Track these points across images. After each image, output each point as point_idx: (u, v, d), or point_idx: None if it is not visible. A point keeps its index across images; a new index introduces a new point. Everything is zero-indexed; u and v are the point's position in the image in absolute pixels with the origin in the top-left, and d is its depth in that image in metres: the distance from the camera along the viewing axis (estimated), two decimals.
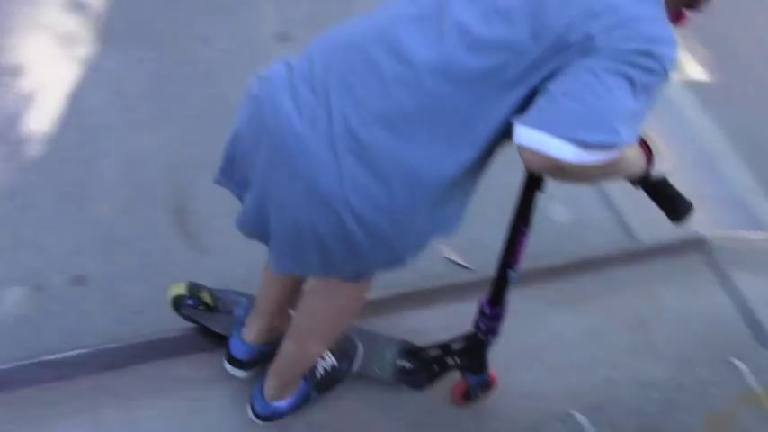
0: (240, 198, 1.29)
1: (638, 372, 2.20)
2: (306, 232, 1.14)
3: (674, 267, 2.62)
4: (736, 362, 2.17)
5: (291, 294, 1.60)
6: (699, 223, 2.78)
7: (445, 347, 1.81)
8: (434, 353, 1.81)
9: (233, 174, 1.27)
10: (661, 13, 1.09)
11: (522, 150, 1.02)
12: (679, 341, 2.38)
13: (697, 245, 2.72)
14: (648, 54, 1.04)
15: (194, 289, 1.74)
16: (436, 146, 1.08)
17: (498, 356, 1.82)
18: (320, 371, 1.73)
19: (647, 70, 1.04)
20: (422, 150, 1.08)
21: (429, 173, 1.09)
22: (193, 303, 1.75)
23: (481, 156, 1.12)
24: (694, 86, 3.54)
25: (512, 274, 1.58)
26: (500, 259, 1.57)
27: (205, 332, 1.78)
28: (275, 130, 1.12)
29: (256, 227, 1.26)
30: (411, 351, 1.84)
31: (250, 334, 1.66)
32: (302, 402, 1.71)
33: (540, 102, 1.03)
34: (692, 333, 2.44)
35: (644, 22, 1.06)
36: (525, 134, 1.01)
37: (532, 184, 1.43)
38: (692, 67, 3.75)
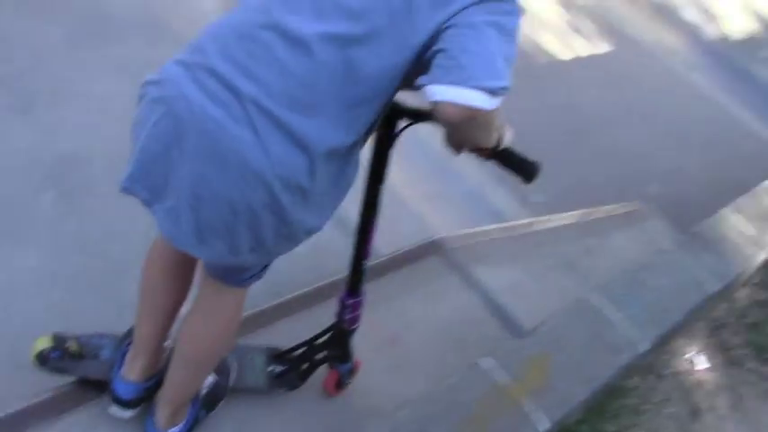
0: (149, 204, 1.31)
1: (393, 393, 2.17)
2: (241, 211, 1.21)
3: (417, 275, 2.64)
4: (481, 361, 2.20)
5: (168, 327, 1.67)
6: (435, 226, 2.83)
7: (310, 344, 1.92)
8: (301, 352, 1.93)
9: (147, 179, 1.28)
10: None
11: (439, 106, 1.14)
12: (434, 351, 2.40)
13: (435, 248, 2.76)
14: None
15: (59, 339, 1.72)
16: (341, 114, 1.22)
17: None
18: (203, 390, 1.78)
19: (508, 13, 1.20)
20: (328, 120, 1.21)
21: (337, 138, 1.23)
22: (60, 355, 1.72)
23: (376, 116, 1.28)
24: None
25: (366, 264, 1.73)
26: (354, 252, 1.71)
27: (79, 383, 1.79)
28: (195, 122, 1.19)
29: (176, 225, 1.28)
30: (278, 355, 1.95)
31: (133, 373, 1.69)
32: (194, 424, 1.76)
33: (442, 62, 1.16)
34: (445, 339, 2.48)
35: None
36: (440, 91, 1.14)
37: (375, 177, 1.58)
38: None
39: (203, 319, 1.57)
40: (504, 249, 3.02)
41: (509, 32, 1.20)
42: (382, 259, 2.55)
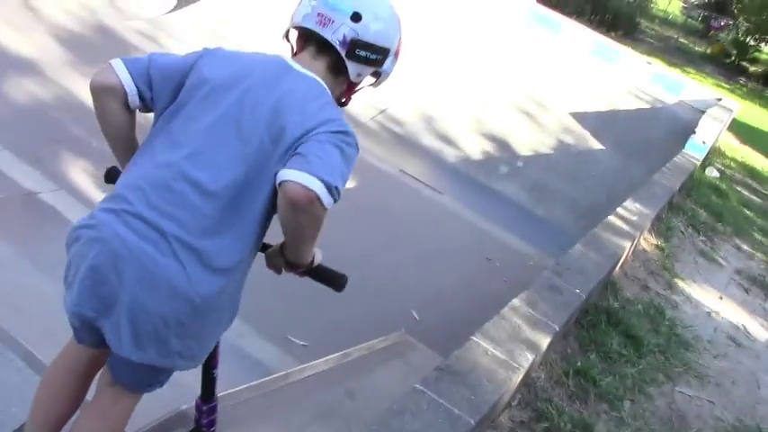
0: (95, 321, 1.60)
1: None
2: (171, 324, 1.54)
3: None
4: None
5: (66, 418, 1.85)
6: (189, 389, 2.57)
7: None
8: None
9: (91, 302, 1.58)
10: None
11: (286, 185, 1.51)
12: None
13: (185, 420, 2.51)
14: (346, 134, 1.67)
15: None
16: (242, 238, 1.62)
17: None
18: None
19: (349, 145, 1.66)
20: (234, 245, 1.60)
21: (238, 250, 1.62)
22: None
23: (259, 239, 1.67)
24: None
25: (215, 372, 1.95)
26: (204, 363, 1.88)
27: None
28: (131, 257, 1.52)
29: (117, 336, 1.57)
30: None
31: None
32: None
33: (296, 158, 1.57)
34: None
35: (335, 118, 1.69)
36: (291, 174, 1.53)
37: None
38: None
39: (97, 421, 1.75)
40: (257, 409, 2.82)
41: (348, 158, 1.65)
42: None
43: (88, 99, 1.88)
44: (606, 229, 5.48)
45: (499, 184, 8.40)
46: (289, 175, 1.51)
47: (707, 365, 4.63)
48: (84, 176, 4.84)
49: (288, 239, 1.68)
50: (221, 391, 2.74)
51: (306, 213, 1.53)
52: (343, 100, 1.85)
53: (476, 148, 8.93)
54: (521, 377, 3.13)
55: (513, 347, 3.24)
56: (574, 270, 4.48)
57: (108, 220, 1.57)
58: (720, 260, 6.67)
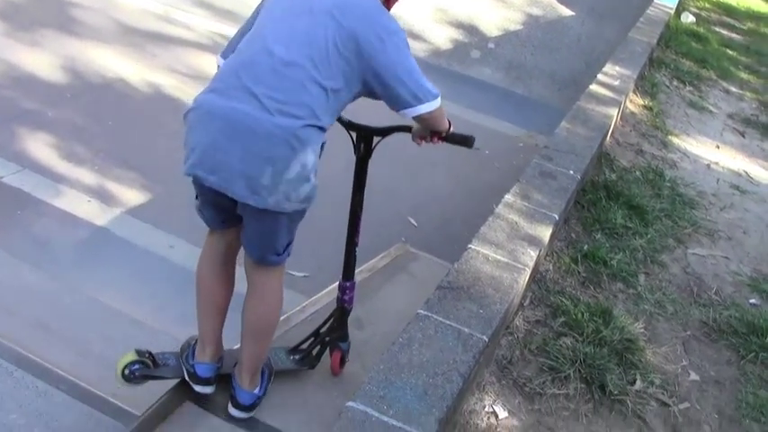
0: (206, 180, 1.92)
1: None
2: (277, 165, 1.84)
3: None
4: None
5: (222, 319, 2.26)
6: None
7: (316, 334, 2.48)
8: (309, 342, 2.47)
9: (205, 163, 1.90)
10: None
11: (420, 117, 2.06)
12: None
13: None
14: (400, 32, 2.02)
15: (141, 354, 2.25)
16: (319, 104, 1.92)
17: None
18: (264, 366, 2.33)
19: (406, 42, 2.03)
20: (311, 100, 1.89)
21: (321, 119, 1.93)
22: (140, 366, 2.25)
23: (334, 113, 2.00)
24: None
25: (356, 252, 2.33)
26: (346, 243, 2.32)
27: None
28: (233, 118, 1.85)
29: (233, 186, 1.90)
30: (294, 348, 2.50)
31: (206, 357, 2.27)
32: (268, 384, 2.37)
33: (399, 89, 2.00)
34: None
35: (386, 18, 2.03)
36: (414, 110, 2.03)
37: (359, 185, 2.24)
38: None
39: (259, 299, 2.12)
40: None
41: (407, 47, 2.03)
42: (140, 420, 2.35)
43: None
44: (590, 100, 5.23)
45: (473, 70, 8.09)
46: (415, 111, 2.02)
47: (715, 220, 4.48)
48: (46, 150, 4.57)
49: (429, 128, 2.22)
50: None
51: (435, 119, 2.13)
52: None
53: (443, 38, 8.55)
54: (527, 277, 2.96)
55: (515, 247, 3.05)
56: (564, 151, 4.26)
57: (207, 98, 1.90)
58: (711, 108, 6.44)
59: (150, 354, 2.30)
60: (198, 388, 2.29)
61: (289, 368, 2.53)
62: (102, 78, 5.52)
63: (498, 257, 2.96)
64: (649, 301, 3.54)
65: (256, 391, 2.30)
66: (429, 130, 2.21)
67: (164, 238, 3.95)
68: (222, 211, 2.07)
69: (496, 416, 2.61)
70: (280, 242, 2.06)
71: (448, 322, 2.50)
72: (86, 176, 4.37)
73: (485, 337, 2.46)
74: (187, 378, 2.30)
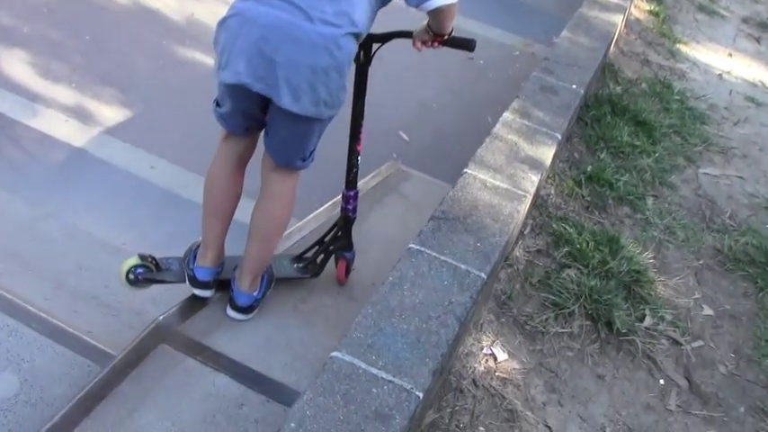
0: (252, 86, 1.89)
1: None
2: (318, 71, 1.85)
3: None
4: None
5: (227, 225, 2.27)
6: None
7: (321, 242, 2.49)
8: (314, 250, 2.48)
9: (249, 71, 1.87)
10: None
11: (441, 10, 2.00)
12: None
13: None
14: None
15: (143, 258, 2.30)
16: (354, 6, 1.90)
17: None
18: (265, 271, 2.36)
19: None
20: (350, 8, 1.88)
21: (358, 26, 1.92)
22: (144, 270, 2.31)
23: (369, 22, 2.00)
24: None
25: (358, 161, 2.33)
26: (348, 152, 2.32)
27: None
28: (276, 26, 1.83)
29: (278, 93, 1.89)
30: (298, 256, 2.51)
31: (206, 261, 2.29)
32: (267, 289, 2.39)
33: None
34: None
35: None
36: (436, 2, 1.97)
37: (359, 92, 2.26)
38: None
39: (274, 201, 2.14)
40: None
41: None
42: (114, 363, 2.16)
43: None
44: (592, 7, 4.83)
45: None
46: (436, 2, 1.96)
47: (728, 136, 4.16)
48: (21, 68, 4.20)
49: (438, 26, 2.11)
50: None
51: (447, 16, 2.05)
52: None
53: None
54: (528, 204, 2.66)
55: (514, 171, 2.75)
56: (565, 63, 3.90)
57: (249, 6, 1.86)
58: (722, 11, 6.01)
59: (153, 258, 2.33)
60: (197, 291, 2.32)
61: (292, 276, 2.52)
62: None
63: (497, 183, 2.66)
64: (658, 227, 3.27)
65: (255, 294, 2.32)
66: (433, 32, 2.14)
67: (144, 158, 3.67)
68: (249, 118, 2.09)
69: (495, 358, 2.38)
70: (309, 147, 2.09)
71: (442, 258, 2.23)
72: (64, 95, 4.04)
73: (483, 275, 2.19)
74: (187, 282, 2.31)
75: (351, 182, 2.38)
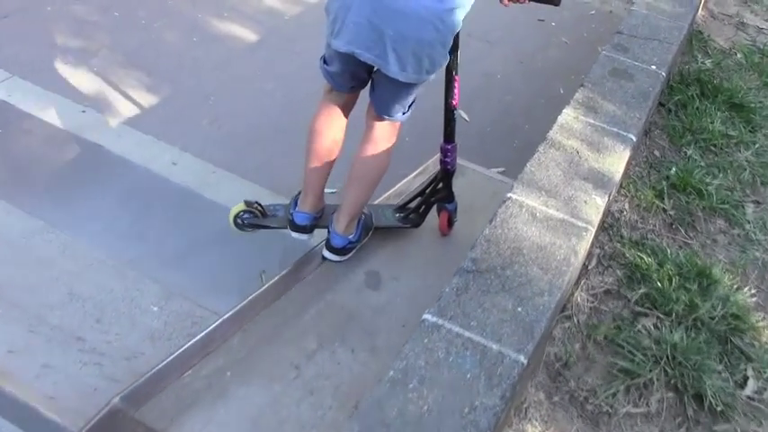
0: (361, 56, 1.98)
1: None
2: (424, 44, 1.92)
3: None
4: None
5: (327, 171, 2.34)
6: None
7: (422, 193, 2.56)
8: (417, 201, 2.56)
9: (359, 41, 1.95)
10: None
11: None
12: None
13: None
14: None
15: (249, 204, 2.42)
16: None
17: None
18: (362, 217, 2.43)
19: None
20: None
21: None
22: (249, 216, 2.43)
23: None
24: None
25: (455, 114, 2.32)
26: (445, 104, 2.30)
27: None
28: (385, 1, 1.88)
29: (386, 62, 1.98)
30: (401, 206, 2.60)
31: (305, 206, 2.38)
32: (362, 235, 2.44)
33: None
34: None
35: None
36: None
37: (453, 43, 2.09)
38: None
39: (373, 146, 2.23)
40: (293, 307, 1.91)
41: None
42: None
43: None
44: None
45: None
46: None
47: None
48: (40, 52, 3.77)
49: None
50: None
51: None
52: None
53: None
54: (591, 239, 2.03)
55: (574, 192, 2.13)
56: (642, 36, 3.18)
57: None
58: None
59: (259, 204, 2.45)
60: (294, 234, 2.41)
61: (393, 225, 2.58)
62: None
63: (550, 212, 2.05)
64: (762, 245, 2.59)
65: (350, 236, 2.38)
66: None
67: (166, 153, 3.20)
68: (356, 78, 2.19)
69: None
70: (409, 101, 2.16)
71: (467, 334, 1.66)
72: (83, 81, 3.60)
73: (522, 358, 1.61)
74: (288, 226, 2.42)
75: (448, 135, 2.38)
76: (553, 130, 2.47)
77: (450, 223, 2.62)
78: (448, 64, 2.19)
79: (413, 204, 2.58)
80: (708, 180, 2.85)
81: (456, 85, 2.27)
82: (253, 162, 3.09)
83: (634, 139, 2.51)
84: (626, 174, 2.65)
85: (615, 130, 2.53)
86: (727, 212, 2.73)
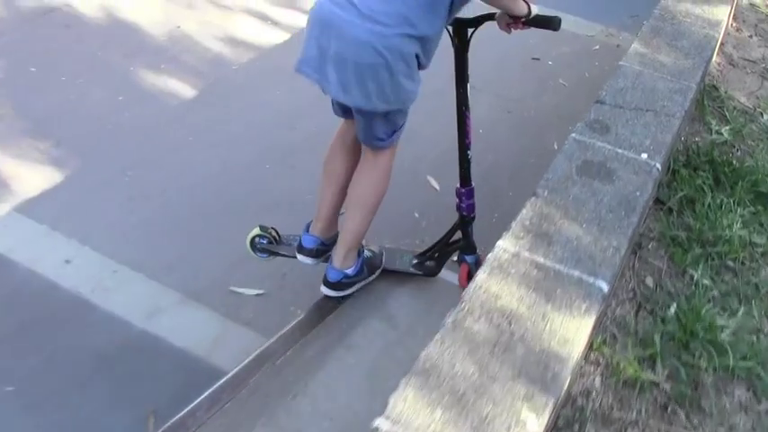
0: (310, 76, 1.99)
1: None
2: (363, 67, 1.87)
3: None
4: None
5: (340, 199, 2.31)
6: None
7: (441, 243, 2.41)
8: (436, 250, 2.42)
9: (310, 63, 1.97)
10: None
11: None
12: None
13: None
14: None
15: (264, 229, 2.43)
16: (410, 8, 1.86)
17: None
18: (367, 253, 2.37)
19: None
20: (405, 9, 1.85)
21: (419, 29, 1.89)
22: (267, 241, 2.43)
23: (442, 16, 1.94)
24: None
25: (469, 154, 2.21)
26: (459, 147, 2.23)
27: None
28: (332, 21, 1.88)
29: (328, 84, 1.96)
30: (420, 254, 2.45)
31: (315, 230, 2.34)
32: (363, 272, 2.34)
33: None
34: None
35: None
36: None
37: (461, 79, 2.16)
38: None
39: (366, 172, 2.20)
40: None
41: None
42: None
43: None
44: None
45: None
46: None
47: None
48: None
49: (501, 8, 2.03)
50: None
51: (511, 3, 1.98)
52: None
53: None
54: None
55: (493, 406, 1.21)
56: (633, 105, 2.36)
57: (323, 2, 1.93)
58: None
59: (275, 230, 2.44)
60: (299, 257, 2.35)
61: (406, 270, 2.43)
62: (39, 3, 3.97)
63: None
64: None
65: (347, 270, 2.29)
66: (509, 16, 2.05)
67: (61, 248, 2.60)
68: (337, 104, 2.17)
69: None
70: (379, 132, 2.09)
71: None
72: None
73: None
74: (296, 250, 2.37)
75: (464, 178, 2.25)
76: (474, 284, 1.58)
77: (470, 277, 2.18)
78: (458, 99, 2.18)
79: (433, 254, 2.45)
80: (723, 321, 1.95)
81: (467, 122, 2.18)
82: (166, 257, 2.57)
83: (605, 289, 1.61)
84: (598, 326, 1.75)
85: (576, 273, 1.65)
86: (751, 375, 1.83)
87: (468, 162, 2.22)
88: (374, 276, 2.40)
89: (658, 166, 2.10)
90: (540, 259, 1.69)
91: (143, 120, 3.24)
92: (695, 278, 2.12)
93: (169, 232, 2.70)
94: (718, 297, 2.08)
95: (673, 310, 1.99)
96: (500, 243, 1.72)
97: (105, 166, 2.98)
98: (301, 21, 4.21)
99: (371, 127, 2.09)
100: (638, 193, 1.97)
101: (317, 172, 2.29)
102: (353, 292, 2.35)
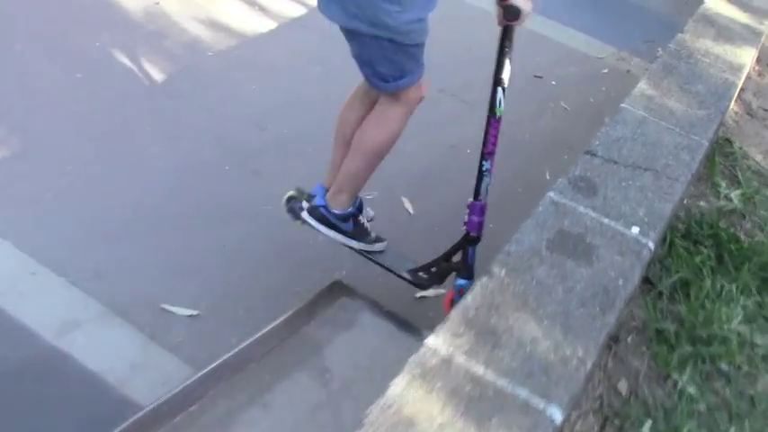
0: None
1: None
2: None
3: None
4: None
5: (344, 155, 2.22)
6: None
7: (441, 258, 2.20)
8: (435, 264, 2.22)
9: None
10: None
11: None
12: None
13: None
14: None
15: (300, 192, 2.28)
16: None
17: None
18: (362, 219, 2.25)
19: None
20: None
21: None
22: (299, 204, 2.27)
23: None
24: None
25: (485, 165, 2.00)
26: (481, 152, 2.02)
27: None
28: None
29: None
30: (422, 265, 2.27)
31: (326, 182, 2.26)
32: (344, 220, 2.21)
33: None
34: None
35: None
36: None
37: (496, 83, 1.95)
38: None
39: (372, 118, 2.12)
40: None
41: None
42: None
43: None
44: (701, 31, 2.79)
45: None
46: None
47: None
48: None
49: None
50: None
51: None
52: None
53: None
54: None
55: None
56: (630, 161, 1.99)
57: None
58: None
59: (309, 194, 2.29)
60: (303, 204, 2.26)
61: (396, 272, 2.27)
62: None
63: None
64: None
65: (334, 210, 2.19)
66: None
67: (25, 264, 2.29)
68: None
69: None
70: (379, 69, 1.97)
71: None
72: None
73: None
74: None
75: (475, 191, 2.04)
76: (384, 399, 1.17)
77: (453, 303, 2.06)
78: (490, 102, 2.01)
79: (433, 269, 2.30)
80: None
81: (491, 130, 1.98)
82: (94, 262, 2.24)
83: (557, 419, 1.21)
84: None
85: (524, 395, 1.26)
86: None
87: (482, 174, 2.03)
88: (355, 244, 2.26)
89: (651, 245, 1.69)
90: (480, 369, 1.29)
91: (98, 102, 2.87)
92: (679, 386, 1.73)
93: (104, 234, 2.36)
94: (705, 413, 1.69)
95: (647, 429, 1.58)
96: (430, 341, 1.31)
97: (43, 152, 2.63)
98: (291, 10, 3.84)
99: (370, 61, 2.01)
100: (620, 282, 1.57)
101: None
102: (324, 237, 2.22)
